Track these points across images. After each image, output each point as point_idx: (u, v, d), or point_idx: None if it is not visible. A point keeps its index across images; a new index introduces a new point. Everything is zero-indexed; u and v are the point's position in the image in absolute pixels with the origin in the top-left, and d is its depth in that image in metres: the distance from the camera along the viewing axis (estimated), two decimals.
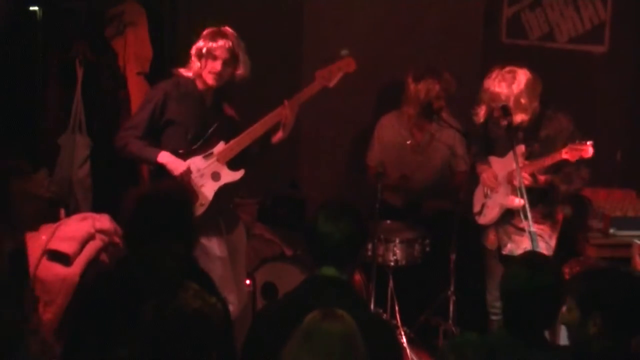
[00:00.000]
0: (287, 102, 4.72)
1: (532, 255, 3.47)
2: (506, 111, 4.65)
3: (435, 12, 6.47)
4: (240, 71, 4.68)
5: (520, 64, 4.74)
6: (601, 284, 3.05)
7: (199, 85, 4.69)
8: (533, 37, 6.30)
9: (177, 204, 3.53)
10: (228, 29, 4.68)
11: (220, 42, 4.61)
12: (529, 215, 4.42)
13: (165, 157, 4.61)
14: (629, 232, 5.25)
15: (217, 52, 4.60)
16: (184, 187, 4.33)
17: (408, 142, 5.73)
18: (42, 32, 5.73)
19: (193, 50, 4.65)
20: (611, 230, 5.32)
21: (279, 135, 4.76)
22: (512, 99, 4.63)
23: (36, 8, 5.69)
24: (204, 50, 4.61)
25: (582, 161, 4.60)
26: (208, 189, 4.67)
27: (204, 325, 2.74)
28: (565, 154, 4.54)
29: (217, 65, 4.61)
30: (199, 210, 4.61)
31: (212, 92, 4.72)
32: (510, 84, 4.64)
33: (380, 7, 6.40)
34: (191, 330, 2.72)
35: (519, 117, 4.67)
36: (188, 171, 4.60)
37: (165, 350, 2.68)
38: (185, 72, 4.68)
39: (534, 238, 4.37)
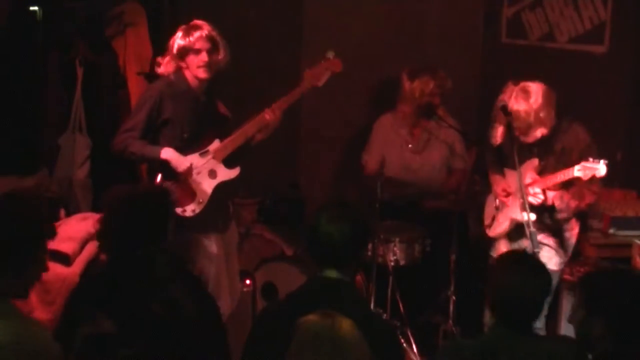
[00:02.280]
0: (274, 105, 4.72)
1: (523, 258, 3.51)
2: (506, 111, 4.63)
3: (435, 12, 6.48)
4: (222, 55, 4.68)
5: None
6: (607, 288, 3.07)
7: (191, 82, 4.68)
8: (533, 37, 6.30)
9: (153, 207, 3.55)
10: (198, 21, 4.67)
11: (197, 34, 4.61)
12: (532, 224, 4.40)
13: (168, 153, 4.60)
14: (629, 232, 5.24)
15: (198, 45, 4.60)
16: (161, 189, 4.34)
17: (410, 148, 5.74)
18: (42, 32, 5.73)
19: (174, 52, 4.63)
20: (611, 230, 5.31)
21: (258, 137, 4.77)
22: (532, 114, 4.52)
23: (36, 8, 5.70)
24: (183, 49, 4.61)
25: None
26: (206, 187, 4.68)
27: (204, 326, 2.74)
28: (577, 172, 4.42)
29: (204, 57, 4.60)
30: (198, 208, 4.63)
31: (203, 89, 4.71)
32: (527, 100, 4.53)
33: (380, 7, 6.40)
34: (192, 329, 2.72)
35: (539, 132, 4.57)
36: (190, 168, 4.61)
37: (169, 348, 2.68)
38: (169, 70, 4.67)
39: (534, 238, 4.37)
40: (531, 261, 3.38)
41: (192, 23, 4.67)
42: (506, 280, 3.21)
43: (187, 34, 4.63)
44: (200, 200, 4.64)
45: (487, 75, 6.41)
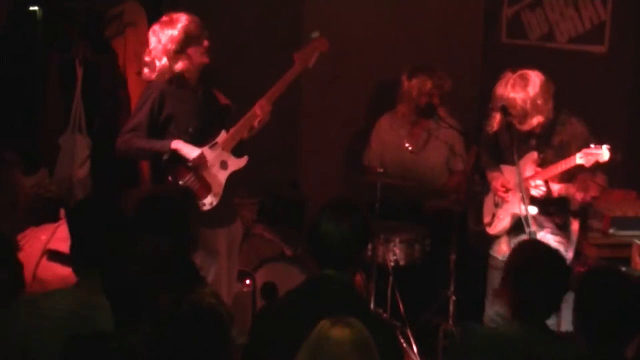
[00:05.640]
0: (267, 95, 4.74)
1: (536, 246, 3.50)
2: (505, 111, 4.61)
3: (435, 12, 6.48)
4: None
5: (521, 64, 4.71)
6: (592, 290, 3.05)
7: (187, 75, 4.66)
8: (533, 37, 6.31)
9: (175, 206, 3.54)
10: (172, 14, 4.65)
11: (191, 22, 4.59)
12: (530, 219, 4.40)
13: (178, 143, 4.58)
14: (629, 232, 5.24)
15: (198, 31, 4.60)
16: (183, 189, 4.33)
17: (409, 149, 5.73)
18: (42, 32, 5.73)
19: (176, 48, 4.59)
20: (611, 230, 5.31)
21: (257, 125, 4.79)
22: (529, 102, 4.49)
23: (36, 8, 5.71)
24: (186, 41, 4.58)
25: (598, 166, 4.48)
26: (220, 178, 4.68)
27: (215, 324, 2.72)
28: (580, 159, 4.40)
29: (205, 42, 4.62)
30: (215, 200, 4.63)
31: (199, 82, 4.71)
32: (525, 87, 4.51)
33: (379, 7, 6.41)
34: (205, 326, 2.70)
35: (536, 120, 4.55)
36: (202, 156, 4.61)
37: (175, 345, 2.67)
38: (181, 69, 4.65)
39: (534, 237, 4.36)
40: (552, 256, 3.31)
41: (168, 17, 4.64)
42: (526, 276, 3.18)
43: (172, 27, 4.58)
44: (216, 192, 4.65)
45: (487, 76, 6.40)
